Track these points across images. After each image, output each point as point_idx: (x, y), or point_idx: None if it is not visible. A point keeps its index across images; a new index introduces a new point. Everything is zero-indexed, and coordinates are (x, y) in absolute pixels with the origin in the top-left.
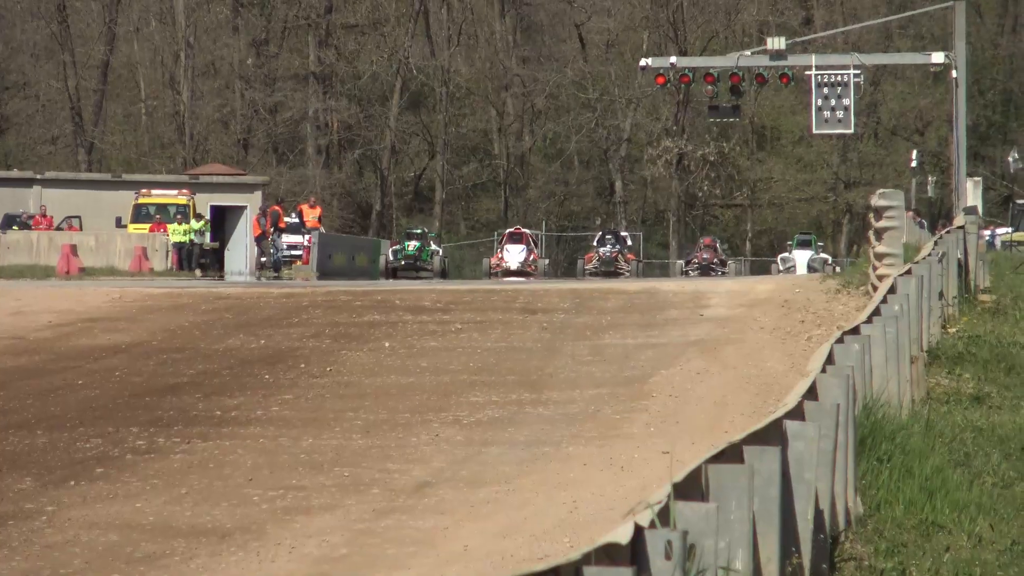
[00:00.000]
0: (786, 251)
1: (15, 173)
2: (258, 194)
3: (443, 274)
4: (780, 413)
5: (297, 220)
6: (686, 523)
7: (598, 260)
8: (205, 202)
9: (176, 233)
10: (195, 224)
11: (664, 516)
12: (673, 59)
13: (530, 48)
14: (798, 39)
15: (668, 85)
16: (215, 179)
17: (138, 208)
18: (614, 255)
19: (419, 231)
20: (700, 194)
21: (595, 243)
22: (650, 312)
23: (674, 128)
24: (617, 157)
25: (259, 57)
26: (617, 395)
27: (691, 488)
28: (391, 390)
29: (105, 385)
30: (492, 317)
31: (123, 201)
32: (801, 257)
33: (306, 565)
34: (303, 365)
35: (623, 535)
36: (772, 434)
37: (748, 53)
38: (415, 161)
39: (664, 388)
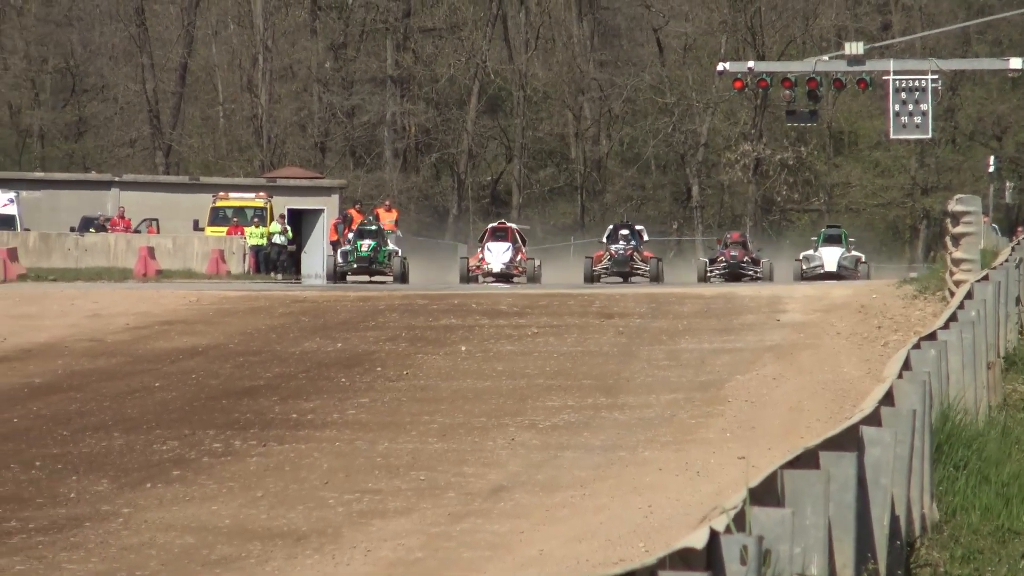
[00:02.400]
0: (811, 248)
1: (93, 175)
2: (335, 197)
3: (403, 278)
4: (856, 419)
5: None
6: (762, 528)
7: (609, 259)
8: (282, 205)
9: (253, 236)
10: (274, 227)
11: (740, 521)
12: (751, 64)
13: (607, 52)
14: (876, 44)
15: (746, 90)
16: (292, 182)
17: (215, 211)
18: (628, 253)
19: (374, 227)
20: (777, 198)
21: (604, 239)
22: (727, 317)
23: (752, 132)
24: (694, 162)
25: (337, 60)
26: (693, 400)
27: (767, 493)
28: (467, 394)
29: (182, 388)
30: (568, 321)
31: (200, 204)
32: (829, 255)
33: (381, 568)
34: (379, 368)
35: (698, 540)
36: (848, 440)
37: (826, 58)
38: (492, 165)
39: (740, 393)
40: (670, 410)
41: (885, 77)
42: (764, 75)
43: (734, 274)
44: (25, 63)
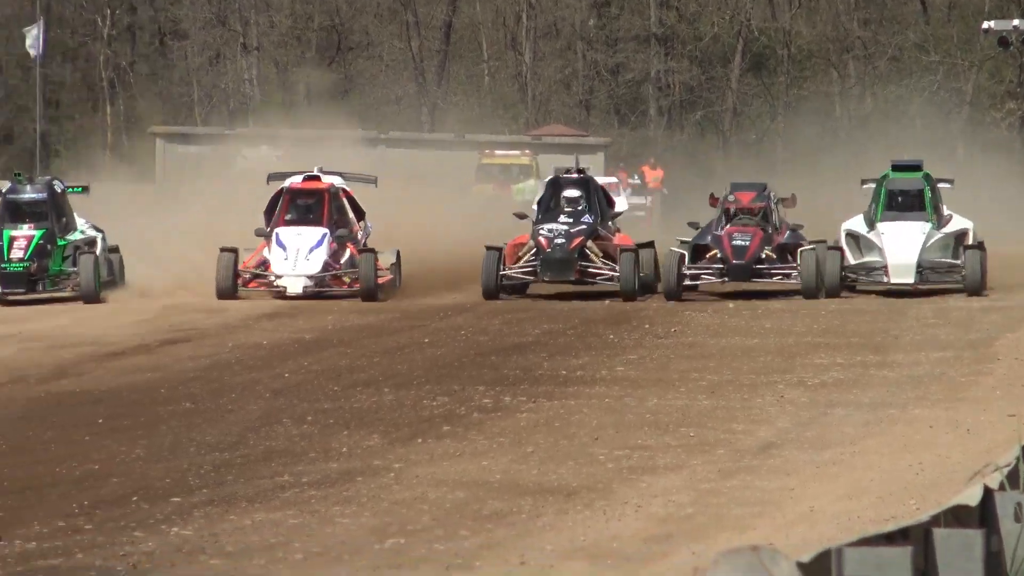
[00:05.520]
0: (861, 218)
1: (359, 133)
2: (600, 155)
3: (90, 295)
4: None
5: (639, 181)
6: None
7: (535, 252)
8: (547, 163)
9: (519, 193)
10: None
11: (1013, 479)
12: (1016, 22)
13: (872, 10)
14: None
15: (1011, 48)
16: (557, 140)
17: (482, 168)
18: (574, 243)
19: (42, 195)
20: None
21: (535, 205)
22: (996, 273)
23: (1018, 91)
24: (959, 119)
25: (600, 18)
26: (962, 358)
27: None
28: (735, 351)
29: (451, 344)
30: None
31: (465, 161)
32: (899, 245)
33: (652, 524)
34: (647, 325)
35: (972, 497)
36: None
37: None
38: (756, 123)
39: (1010, 351)
40: (939, 368)
41: None
42: None
43: (736, 275)
44: (291, 21)
